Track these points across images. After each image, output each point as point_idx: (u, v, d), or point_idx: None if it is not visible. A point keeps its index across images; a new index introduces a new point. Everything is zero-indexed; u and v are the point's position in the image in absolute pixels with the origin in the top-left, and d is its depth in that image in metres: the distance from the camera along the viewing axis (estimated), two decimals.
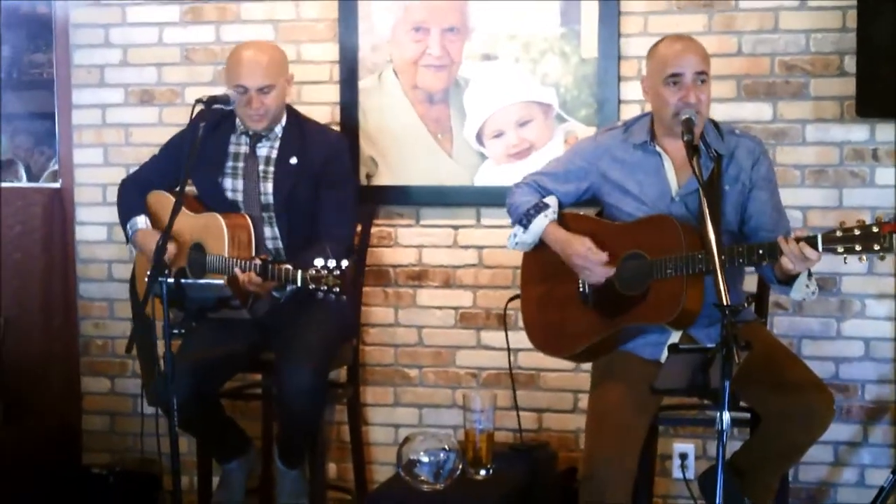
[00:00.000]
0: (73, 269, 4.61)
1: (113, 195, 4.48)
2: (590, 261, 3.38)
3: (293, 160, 3.85)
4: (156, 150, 4.17)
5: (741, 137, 3.46)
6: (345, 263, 3.36)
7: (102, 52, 4.52)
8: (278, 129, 3.89)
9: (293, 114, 3.95)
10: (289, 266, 3.48)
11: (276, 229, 3.86)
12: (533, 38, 4.16)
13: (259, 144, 3.89)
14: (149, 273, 3.31)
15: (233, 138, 3.92)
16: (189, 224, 3.82)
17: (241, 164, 3.89)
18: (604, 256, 3.38)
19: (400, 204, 4.31)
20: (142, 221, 3.95)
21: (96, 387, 4.62)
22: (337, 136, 4.04)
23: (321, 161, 3.85)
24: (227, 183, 3.90)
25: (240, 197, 3.88)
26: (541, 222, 3.49)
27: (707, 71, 3.36)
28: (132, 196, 4.02)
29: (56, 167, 4.61)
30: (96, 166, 4.56)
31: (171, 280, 3.29)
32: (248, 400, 4.25)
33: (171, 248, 3.77)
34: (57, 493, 4.34)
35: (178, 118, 4.39)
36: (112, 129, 4.54)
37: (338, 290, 3.36)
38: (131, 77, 4.50)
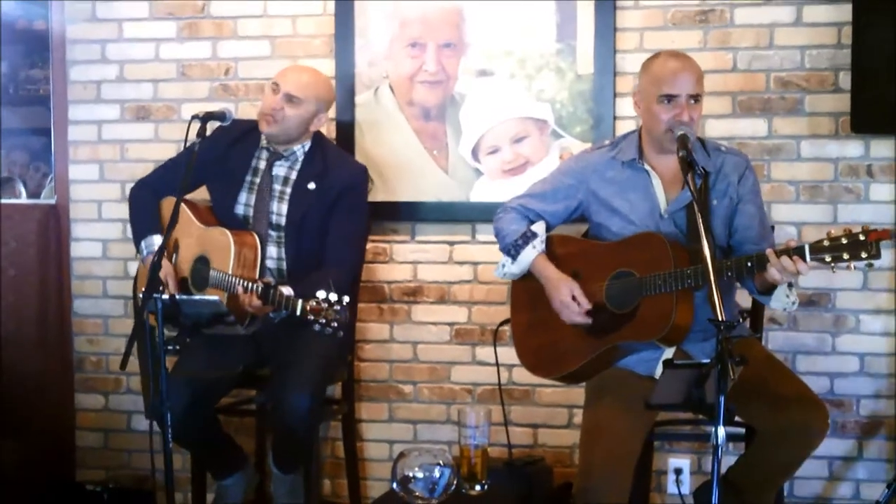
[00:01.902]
0: (68, 285, 4.60)
1: (108, 212, 4.52)
2: (571, 309, 3.39)
3: (311, 185, 3.84)
4: (151, 167, 4.18)
5: (727, 154, 3.47)
6: (346, 300, 3.36)
7: (99, 68, 4.52)
8: (299, 152, 3.89)
9: (319, 139, 3.94)
10: (291, 293, 3.47)
11: (283, 250, 3.84)
12: (529, 54, 4.17)
13: (277, 163, 3.89)
14: (143, 291, 3.29)
15: (256, 152, 3.92)
16: (198, 235, 3.82)
17: (257, 180, 3.89)
18: (586, 306, 3.38)
19: (395, 220, 4.31)
20: (158, 242, 3.88)
21: (90, 403, 4.60)
22: (359, 168, 4.02)
23: (338, 190, 3.85)
24: (242, 197, 3.89)
25: (250, 212, 3.87)
26: (529, 254, 3.49)
27: (701, 93, 3.37)
28: (148, 206, 3.96)
29: (53, 183, 4.61)
30: (92, 182, 4.55)
31: (165, 297, 3.28)
32: (242, 416, 4.25)
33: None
34: None
35: (174, 134, 4.40)
36: (108, 145, 4.53)
37: (335, 325, 3.36)
38: (127, 93, 4.50)
